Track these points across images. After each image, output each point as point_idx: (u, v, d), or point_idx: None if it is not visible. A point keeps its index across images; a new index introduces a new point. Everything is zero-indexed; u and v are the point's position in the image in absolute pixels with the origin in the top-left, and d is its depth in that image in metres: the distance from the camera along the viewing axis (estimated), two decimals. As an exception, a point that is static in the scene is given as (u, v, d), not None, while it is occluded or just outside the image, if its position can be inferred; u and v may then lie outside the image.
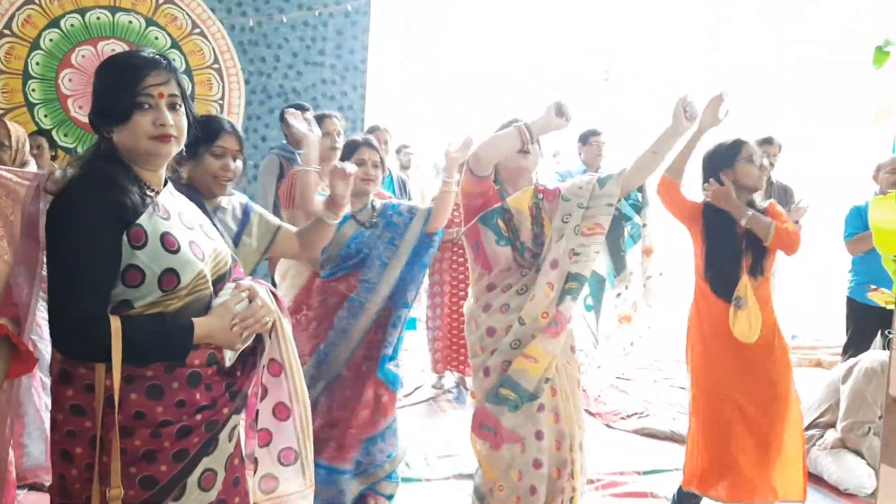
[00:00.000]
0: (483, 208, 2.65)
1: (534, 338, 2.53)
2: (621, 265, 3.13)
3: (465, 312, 2.77)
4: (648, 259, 3.26)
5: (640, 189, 3.06)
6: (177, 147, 1.60)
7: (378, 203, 3.07)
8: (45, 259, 1.50)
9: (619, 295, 3.19)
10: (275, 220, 2.48)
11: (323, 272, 2.99)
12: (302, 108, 3.52)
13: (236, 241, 2.35)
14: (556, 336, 2.54)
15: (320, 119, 3.58)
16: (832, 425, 3.71)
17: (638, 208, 3.16)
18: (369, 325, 2.94)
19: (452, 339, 4.92)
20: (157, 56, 1.59)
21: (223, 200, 2.39)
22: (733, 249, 2.92)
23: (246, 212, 2.43)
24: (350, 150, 3.05)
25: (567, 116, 2.45)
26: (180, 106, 1.60)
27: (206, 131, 2.33)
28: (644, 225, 3.24)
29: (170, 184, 1.67)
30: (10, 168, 1.52)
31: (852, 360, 3.79)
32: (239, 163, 2.35)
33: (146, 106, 1.54)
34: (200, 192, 2.32)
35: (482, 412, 2.62)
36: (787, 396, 2.98)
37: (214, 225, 2.28)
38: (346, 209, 2.48)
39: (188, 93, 1.64)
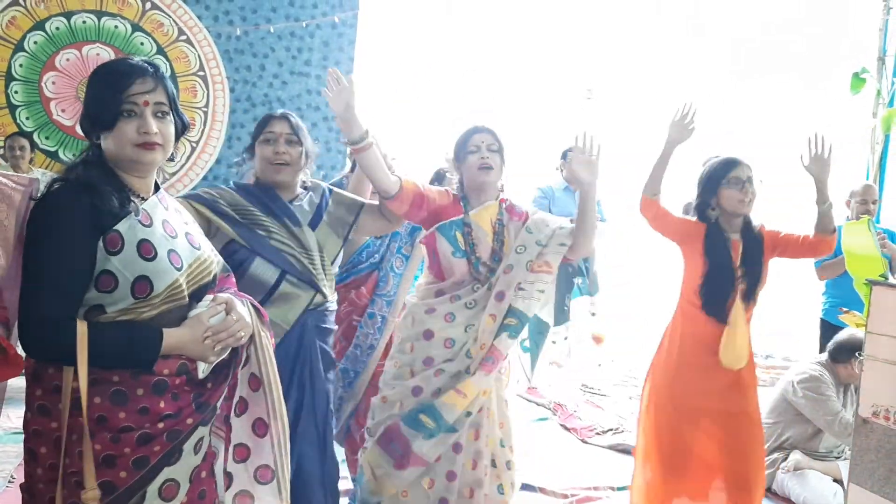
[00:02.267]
0: (433, 218, 2.61)
1: (469, 374, 2.49)
2: (563, 318, 3.14)
3: (407, 309, 2.68)
4: (599, 346, 3.26)
5: (587, 268, 3.05)
6: (162, 155, 1.60)
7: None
8: None
9: (554, 342, 3.21)
10: (357, 199, 2.49)
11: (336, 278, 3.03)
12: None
13: (313, 225, 2.36)
14: (489, 373, 2.49)
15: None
16: (795, 446, 3.77)
17: (585, 275, 3.16)
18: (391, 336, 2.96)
19: None
20: (146, 64, 1.59)
21: (300, 193, 2.40)
22: (731, 272, 2.86)
23: (324, 199, 2.43)
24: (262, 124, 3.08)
25: (341, 95, 2.31)
26: (167, 114, 1.61)
27: (257, 126, 2.39)
28: (593, 314, 3.26)
29: (161, 191, 1.67)
30: (5, 173, 1.52)
31: (790, 374, 3.83)
32: (298, 147, 2.33)
33: (131, 113, 1.54)
34: (272, 187, 2.33)
35: (395, 430, 2.50)
36: (757, 418, 2.97)
37: (293, 219, 2.30)
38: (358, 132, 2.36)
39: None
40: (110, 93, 1.54)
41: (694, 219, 2.96)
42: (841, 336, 3.69)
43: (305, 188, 2.45)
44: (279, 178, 2.33)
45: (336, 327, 2.53)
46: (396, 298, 3.00)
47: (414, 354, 2.56)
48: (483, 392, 2.51)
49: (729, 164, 2.88)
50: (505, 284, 2.54)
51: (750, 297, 2.88)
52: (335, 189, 2.49)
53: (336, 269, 2.44)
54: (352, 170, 4.86)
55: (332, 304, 2.45)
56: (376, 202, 2.51)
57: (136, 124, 1.55)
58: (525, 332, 2.90)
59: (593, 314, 3.26)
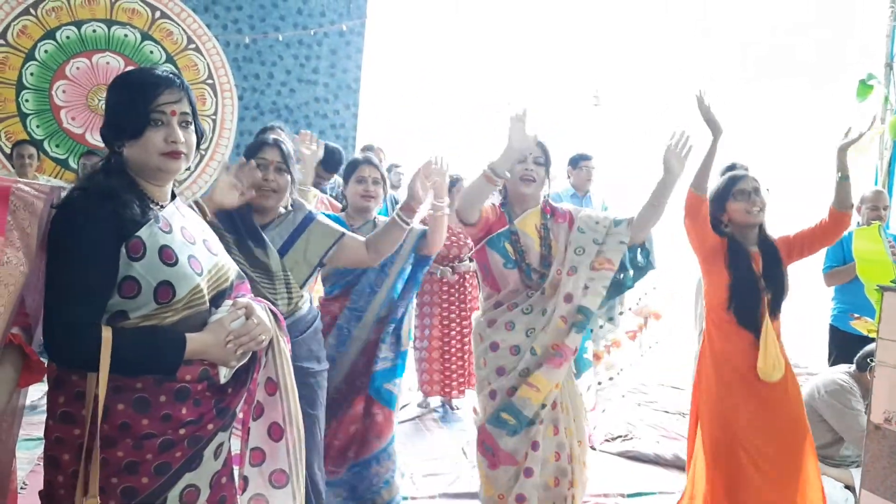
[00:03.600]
0: (486, 234, 2.72)
1: (540, 367, 2.61)
2: (604, 307, 3.13)
3: (473, 325, 2.85)
4: (658, 321, 3.24)
5: (648, 252, 3.04)
6: (185, 163, 1.63)
7: (380, 221, 3.08)
8: None
9: (591, 330, 3.19)
10: (339, 229, 2.51)
11: (325, 289, 3.02)
12: (273, 129, 3.53)
13: (283, 251, 2.38)
14: (559, 367, 2.62)
15: (263, 132, 3.57)
16: None
17: (636, 264, 3.12)
18: (359, 350, 2.96)
19: (444, 363, 4.92)
20: (172, 75, 1.62)
21: (280, 213, 2.44)
22: (756, 284, 2.84)
23: (303, 224, 2.46)
24: (351, 168, 3.08)
25: (521, 133, 2.47)
26: (191, 124, 1.64)
27: (248, 149, 2.43)
28: (654, 287, 3.23)
29: (177, 198, 1.69)
30: (29, 181, 1.53)
31: (815, 378, 3.80)
32: (286, 175, 2.39)
33: (159, 123, 1.57)
34: (253, 209, 2.37)
35: (483, 432, 2.70)
36: (807, 432, 2.92)
37: (256, 240, 2.33)
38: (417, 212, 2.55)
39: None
40: (139, 102, 1.56)
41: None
42: (871, 346, 3.67)
43: (291, 208, 2.49)
44: (265, 203, 2.39)
45: (314, 328, 2.52)
46: (366, 315, 2.95)
47: (488, 368, 2.71)
48: (555, 385, 2.63)
49: (732, 179, 2.88)
50: (572, 286, 2.64)
51: (776, 307, 2.86)
52: (318, 217, 2.51)
53: (305, 292, 2.45)
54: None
55: (302, 310, 2.44)
56: (358, 236, 2.54)
57: (164, 133, 1.57)
58: (594, 321, 3.03)
59: (654, 288, 3.24)
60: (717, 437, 2.88)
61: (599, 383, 3.25)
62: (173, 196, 1.68)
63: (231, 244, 2.31)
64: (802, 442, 2.89)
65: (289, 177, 2.41)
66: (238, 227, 2.35)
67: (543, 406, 2.63)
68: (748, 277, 2.82)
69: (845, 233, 2.96)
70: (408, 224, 2.50)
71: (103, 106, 1.64)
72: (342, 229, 2.52)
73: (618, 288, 2.98)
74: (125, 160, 1.59)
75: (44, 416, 1.56)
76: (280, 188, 2.38)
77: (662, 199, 2.67)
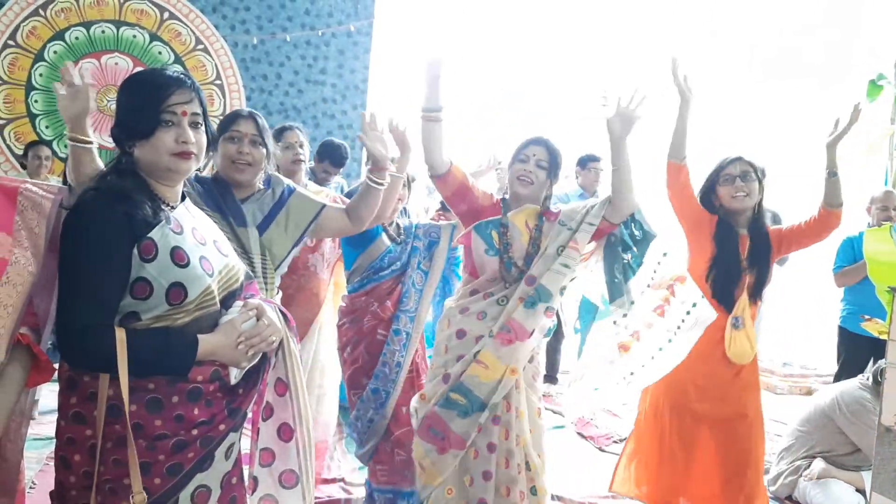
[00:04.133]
0: (472, 214, 2.68)
1: (488, 345, 2.56)
2: (617, 293, 3.07)
3: (443, 310, 2.78)
4: (684, 285, 3.17)
5: (640, 223, 3.00)
6: (196, 164, 1.63)
7: (403, 222, 3.12)
8: None
9: (615, 322, 3.13)
10: (318, 201, 2.47)
11: (349, 286, 3.03)
12: (291, 128, 3.54)
13: (263, 228, 2.34)
14: (507, 343, 2.53)
15: (281, 131, 3.58)
16: (826, 458, 3.72)
17: (637, 241, 3.08)
18: (413, 357, 3.00)
19: None
20: (183, 75, 1.62)
21: (259, 189, 2.39)
22: (738, 263, 2.89)
23: (283, 198, 2.41)
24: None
25: (432, 57, 2.46)
26: (201, 125, 1.63)
27: (223, 122, 2.37)
28: (665, 254, 3.16)
29: (188, 199, 1.70)
30: (37, 182, 1.54)
31: (834, 389, 3.79)
32: (261, 149, 2.32)
33: (170, 123, 1.57)
34: (230, 184, 2.32)
35: (433, 416, 2.59)
36: (758, 422, 2.95)
37: (237, 217, 2.29)
38: (390, 169, 2.51)
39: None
40: (150, 102, 1.56)
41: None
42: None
43: (267, 183, 2.44)
44: (240, 177, 2.32)
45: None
46: (419, 314, 2.98)
47: (448, 355, 2.63)
48: (510, 370, 2.54)
49: (723, 162, 2.92)
50: (537, 270, 2.60)
51: (757, 293, 2.89)
52: (297, 188, 2.47)
53: (277, 279, 2.41)
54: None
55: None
56: (339, 205, 2.51)
57: (175, 134, 1.57)
58: (575, 313, 3.02)
59: (665, 254, 3.18)
60: (662, 402, 2.97)
61: (632, 373, 3.15)
62: (183, 197, 1.69)
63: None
64: (751, 447, 2.91)
65: (264, 150, 2.33)
66: (219, 203, 2.30)
67: (496, 392, 2.54)
68: (731, 254, 2.86)
69: (833, 231, 2.96)
70: (380, 184, 2.43)
71: (112, 106, 1.65)
72: (323, 200, 2.47)
73: (626, 271, 2.96)
74: (136, 161, 1.59)
75: (52, 416, 1.56)
76: (255, 161, 2.31)
77: (619, 162, 2.59)
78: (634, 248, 2.94)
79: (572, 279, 2.69)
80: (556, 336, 5.47)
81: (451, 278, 3.37)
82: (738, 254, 2.89)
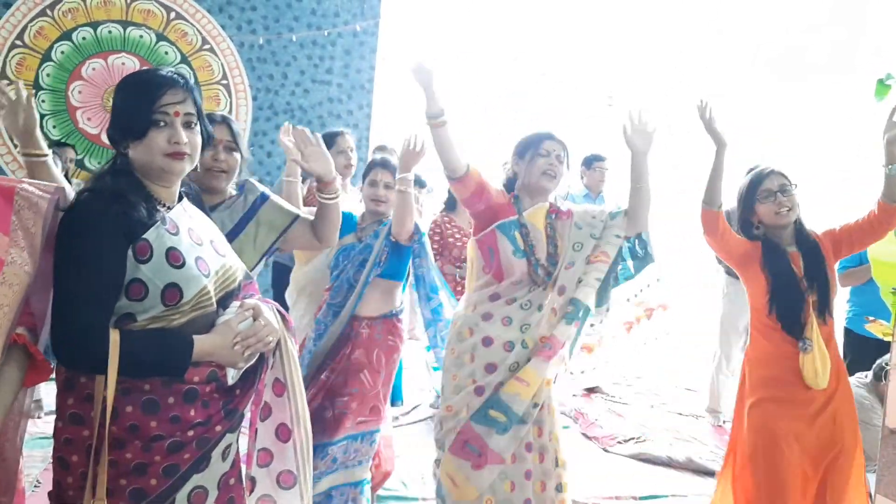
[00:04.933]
0: (490, 213, 2.67)
1: (529, 360, 2.56)
2: (603, 300, 3.09)
3: (457, 320, 2.72)
4: (665, 312, 3.17)
5: (646, 244, 3.00)
6: (190, 164, 1.63)
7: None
8: None
9: (592, 325, 3.16)
10: (293, 210, 2.40)
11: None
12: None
13: (233, 235, 2.26)
14: (548, 360, 2.56)
15: (332, 136, 3.60)
16: None
17: (635, 255, 3.09)
18: (334, 345, 2.93)
19: None
20: (176, 75, 1.62)
21: (231, 195, 2.33)
22: (797, 285, 2.70)
23: (255, 206, 2.34)
24: (367, 169, 3.08)
25: (421, 67, 2.46)
26: (195, 125, 1.63)
27: None
28: (658, 279, 3.16)
29: (185, 199, 1.69)
30: (33, 181, 1.54)
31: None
32: (235, 155, 2.28)
33: (161, 123, 1.56)
34: (202, 190, 2.26)
35: (468, 431, 2.57)
36: (854, 448, 2.76)
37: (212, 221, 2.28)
38: (337, 184, 2.40)
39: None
40: (142, 103, 1.56)
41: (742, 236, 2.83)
42: (888, 356, 3.63)
43: (241, 189, 2.38)
44: (215, 184, 2.28)
45: None
46: (343, 312, 2.91)
47: (474, 364, 2.61)
48: (546, 382, 2.57)
49: (757, 179, 2.77)
50: (566, 279, 2.62)
51: (824, 308, 2.71)
52: (272, 196, 2.40)
53: (254, 275, 2.40)
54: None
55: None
56: (312, 217, 2.44)
57: (167, 134, 1.57)
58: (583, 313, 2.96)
59: (658, 280, 3.18)
60: (756, 442, 2.74)
61: (582, 371, 3.18)
62: (181, 197, 1.69)
63: (181, 234, 2.25)
64: (847, 452, 2.73)
65: (238, 156, 2.29)
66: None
67: (536, 405, 2.56)
68: (788, 279, 2.69)
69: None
70: (333, 198, 2.34)
71: (121, 107, 1.64)
72: (296, 212, 2.40)
73: (616, 279, 2.96)
74: (131, 161, 1.59)
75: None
76: (230, 168, 2.27)
77: (641, 181, 2.61)
78: (629, 262, 2.95)
79: None
80: None
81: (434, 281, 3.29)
82: (794, 274, 2.71)
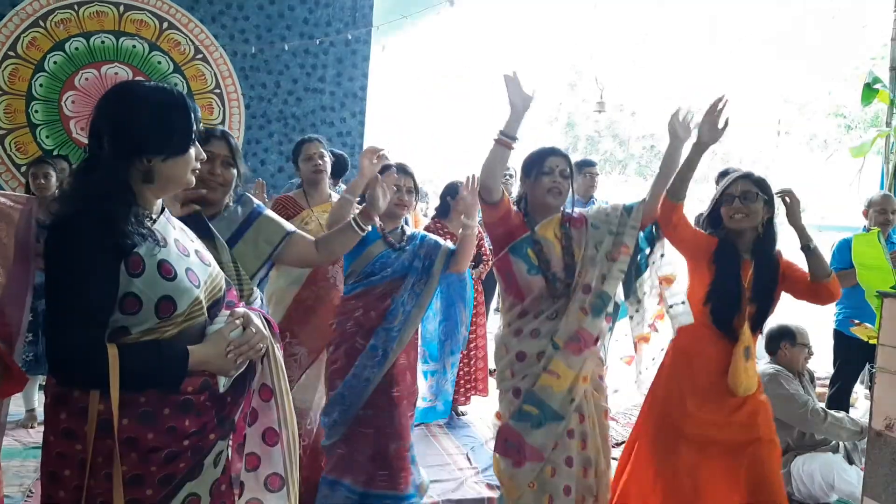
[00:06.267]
0: (507, 236, 2.70)
1: (558, 353, 2.60)
2: (629, 290, 3.12)
3: (495, 339, 2.81)
4: (670, 286, 3.18)
5: (656, 223, 3.04)
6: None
7: (409, 230, 3.14)
8: (35, 282, 1.53)
9: (631, 318, 3.19)
10: (286, 226, 2.42)
11: (345, 288, 3.07)
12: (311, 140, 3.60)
13: (230, 244, 2.29)
14: (577, 353, 2.59)
15: (299, 145, 3.65)
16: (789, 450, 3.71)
17: (651, 238, 3.14)
18: (390, 369, 3.01)
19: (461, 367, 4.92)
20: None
21: (227, 206, 2.37)
22: (738, 288, 2.73)
23: (250, 218, 2.38)
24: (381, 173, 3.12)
25: (519, 90, 2.50)
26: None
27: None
28: (662, 255, 3.19)
29: (166, 210, 1.71)
30: (4, 192, 1.55)
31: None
32: (232, 170, 2.31)
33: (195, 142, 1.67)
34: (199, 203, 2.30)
35: (506, 429, 2.66)
36: (776, 441, 2.83)
37: (204, 233, 2.24)
38: (376, 222, 2.55)
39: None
40: (189, 120, 1.63)
41: (707, 232, 2.86)
42: (777, 326, 3.70)
43: (237, 202, 2.41)
44: (212, 196, 2.31)
45: None
46: (401, 335, 2.98)
47: (514, 379, 2.68)
48: (582, 378, 2.61)
49: (728, 181, 2.80)
50: (590, 278, 2.65)
51: (759, 321, 2.76)
52: (265, 212, 2.44)
53: (254, 286, 2.41)
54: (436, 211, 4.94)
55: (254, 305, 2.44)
56: (307, 235, 2.47)
57: (195, 151, 1.67)
58: (611, 305, 2.97)
59: (661, 255, 3.21)
60: (659, 428, 2.84)
61: (647, 368, 3.18)
62: (163, 209, 1.70)
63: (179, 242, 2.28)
64: (765, 443, 2.78)
65: (235, 171, 2.32)
66: (184, 218, 2.24)
67: (572, 401, 2.59)
68: (731, 279, 2.72)
69: (831, 300, 2.86)
70: (362, 230, 2.41)
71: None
72: (291, 227, 2.43)
73: (638, 270, 3.00)
74: (131, 172, 1.59)
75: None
76: (227, 182, 2.31)
77: (672, 165, 2.65)
78: (646, 250, 2.98)
79: None
80: None
81: (458, 304, 3.37)
82: (739, 278, 2.73)
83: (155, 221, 1.63)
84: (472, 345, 4.89)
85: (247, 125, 6.40)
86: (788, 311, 3.05)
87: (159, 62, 6.12)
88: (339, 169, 4.55)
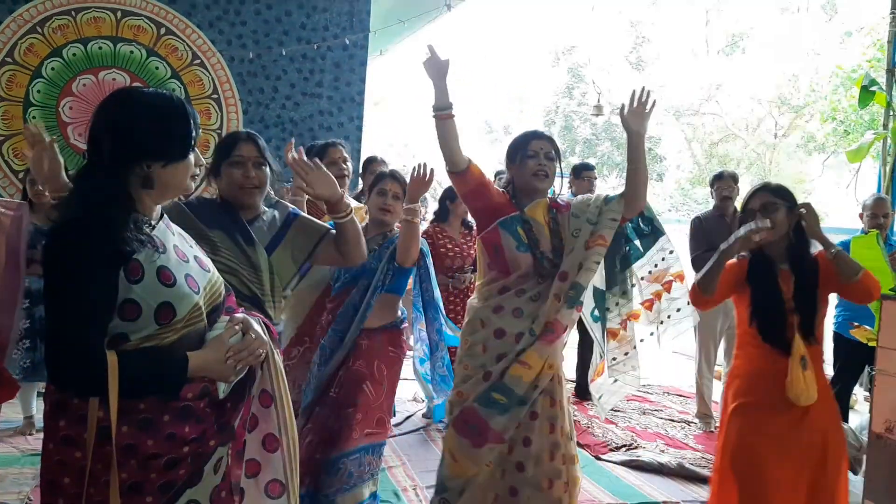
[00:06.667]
0: (491, 211, 2.72)
1: (533, 345, 2.62)
2: (614, 281, 3.13)
3: (469, 313, 2.79)
4: (682, 283, 3.17)
5: (651, 219, 3.06)
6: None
7: (395, 235, 3.09)
8: (33, 288, 1.52)
9: (609, 310, 3.19)
10: (322, 227, 2.44)
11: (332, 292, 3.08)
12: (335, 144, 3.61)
13: (269, 250, 2.34)
14: (550, 343, 2.62)
15: (325, 148, 3.64)
16: None
17: (642, 234, 3.15)
18: (334, 370, 2.97)
19: None
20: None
21: (264, 211, 2.39)
22: (779, 300, 2.64)
23: (287, 222, 2.40)
24: (376, 180, 3.11)
25: (435, 56, 2.57)
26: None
27: (222, 146, 2.37)
28: (671, 252, 3.18)
29: (165, 216, 1.71)
30: None
31: None
32: (265, 170, 2.34)
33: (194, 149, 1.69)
34: (236, 207, 2.33)
35: (470, 412, 2.65)
36: (841, 456, 2.68)
37: (246, 237, 2.30)
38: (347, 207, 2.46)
39: None
40: (192, 128, 1.65)
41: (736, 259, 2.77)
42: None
43: (271, 205, 2.44)
44: (249, 200, 2.33)
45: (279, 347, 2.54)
46: (347, 338, 2.96)
47: (486, 355, 2.68)
48: (549, 366, 2.63)
49: (747, 197, 2.77)
50: (568, 265, 2.66)
51: (808, 330, 2.63)
52: (300, 213, 2.47)
53: (289, 293, 2.42)
54: (361, 192, 4.92)
55: (278, 328, 2.41)
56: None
57: (194, 157, 1.70)
58: (592, 303, 3.03)
59: (670, 252, 3.19)
60: (737, 456, 2.69)
61: (614, 359, 3.19)
62: (161, 215, 1.70)
63: (216, 242, 2.26)
64: (830, 472, 2.64)
65: (267, 170, 2.35)
66: (224, 223, 2.31)
67: (536, 387, 2.62)
68: (771, 292, 2.65)
69: (870, 298, 2.74)
70: (346, 216, 2.35)
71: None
72: (326, 226, 2.45)
73: (625, 261, 3.03)
74: (130, 180, 1.59)
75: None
76: (262, 183, 2.33)
77: (638, 161, 2.67)
78: (637, 241, 3.00)
79: None
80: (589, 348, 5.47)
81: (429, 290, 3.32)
82: (777, 289, 2.65)
83: (154, 227, 1.63)
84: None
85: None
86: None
87: (157, 68, 6.11)
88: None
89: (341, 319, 2.98)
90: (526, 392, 2.60)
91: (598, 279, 3.01)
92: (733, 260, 2.73)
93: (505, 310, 2.68)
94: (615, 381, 3.14)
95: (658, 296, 3.30)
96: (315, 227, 2.43)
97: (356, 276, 3.01)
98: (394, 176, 3.07)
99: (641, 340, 3.29)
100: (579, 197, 2.87)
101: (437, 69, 2.57)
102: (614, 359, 3.16)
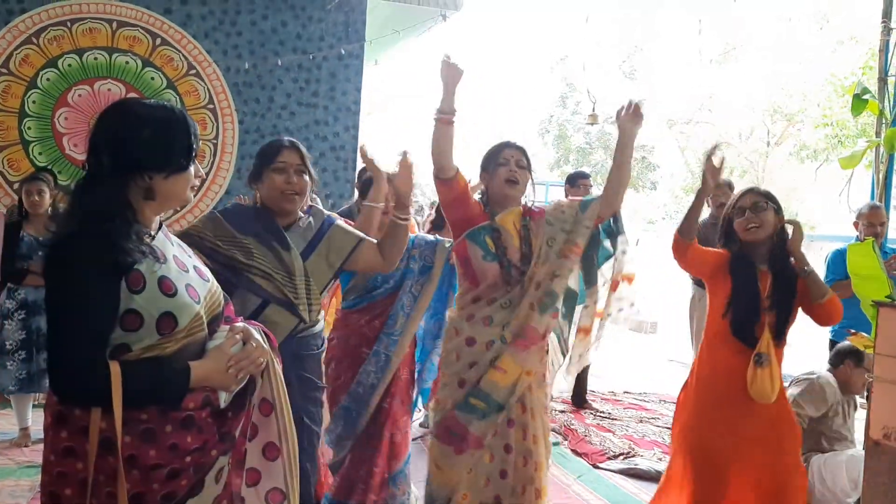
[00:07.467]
0: (465, 222, 2.75)
1: (507, 351, 2.65)
2: (593, 279, 3.17)
3: (447, 321, 2.86)
4: (630, 285, 3.24)
5: (614, 217, 3.12)
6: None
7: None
8: (29, 299, 1.52)
9: (586, 307, 3.23)
10: (357, 234, 2.51)
11: (344, 303, 3.07)
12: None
13: (305, 256, 2.39)
14: (525, 349, 2.65)
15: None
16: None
17: (611, 233, 3.20)
18: (393, 374, 3.02)
19: None
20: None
21: (300, 217, 2.44)
22: (756, 298, 2.79)
23: (323, 228, 2.46)
24: (369, 185, 3.13)
25: (453, 67, 2.61)
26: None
27: (265, 152, 2.43)
28: (623, 252, 3.26)
29: (164, 227, 1.72)
30: None
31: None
32: (306, 177, 2.40)
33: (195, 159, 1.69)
34: (274, 212, 2.38)
35: (451, 419, 2.68)
36: (797, 463, 2.86)
37: (282, 242, 2.35)
38: (411, 210, 2.55)
39: None
40: (187, 137, 1.65)
41: (720, 249, 2.94)
42: (842, 344, 3.76)
43: (306, 212, 2.50)
44: (289, 206, 2.39)
45: (322, 351, 2.55)
46: (401, 339, 3.01)
47: (459, 363, 2.70)
48: (526, 372, 2.66)
49: (737, 196, 2.91)
50: (541, 275, 2.69)
51: (780, 331, 2.79)
52: (338, 220, 2.53)
53: (325, 295, 2.47)
54: (359, 198, 4.92)
55: (317, 327, 2.47)
56: (374, 239, 2.54)
57: (195, 168, 1.70)
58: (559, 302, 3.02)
59: (623, 252, 3.25)
60: (692, 448, 2.86)
61: (580, 356, 3.27)
62: (160, 226, 1.71)
63: (250, 247, 2.31)
64: (792, 491, 2.80)
65: (307, 178, 2.41)
66: (259, 229, 2.36)
67: (513, 392, 2.64)
68: (749, 288, 2.78)
69: (833, 321, 2.94)
70: (406, 219, 2.48)
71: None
72: (360, 235, 2.52)
73: (605, 256, 3.12)
74: (131, 189, 1.59)
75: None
76: (302, 190, 2.39)
77: (624, 160, 2.74)
78: (607, 242, 3.05)
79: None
80: None
81: (450, 295, 3.37)
82: (757, 288, 2.79)
83: (154, 238, 1.63)
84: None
85: (240, 140, 6.39)
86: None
87: (152, 78, 6.12)
88: (366, 188, 4.57)
89: (392, 323, 3.00)
90: (503, 397, 2.63)
91: (572, 280, 3.04)
92: (716, 252, 2.92)
93: (476, 318, 2.71)
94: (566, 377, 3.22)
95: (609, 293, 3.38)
96: (351, 233, 2.50)
97: (399, 280, 3.04)
98: (390, 181, 3.10)
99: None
100: (553, 202, 2.89)
101: (452, 75, 2.62)
102: (580, 355, 3.24)
